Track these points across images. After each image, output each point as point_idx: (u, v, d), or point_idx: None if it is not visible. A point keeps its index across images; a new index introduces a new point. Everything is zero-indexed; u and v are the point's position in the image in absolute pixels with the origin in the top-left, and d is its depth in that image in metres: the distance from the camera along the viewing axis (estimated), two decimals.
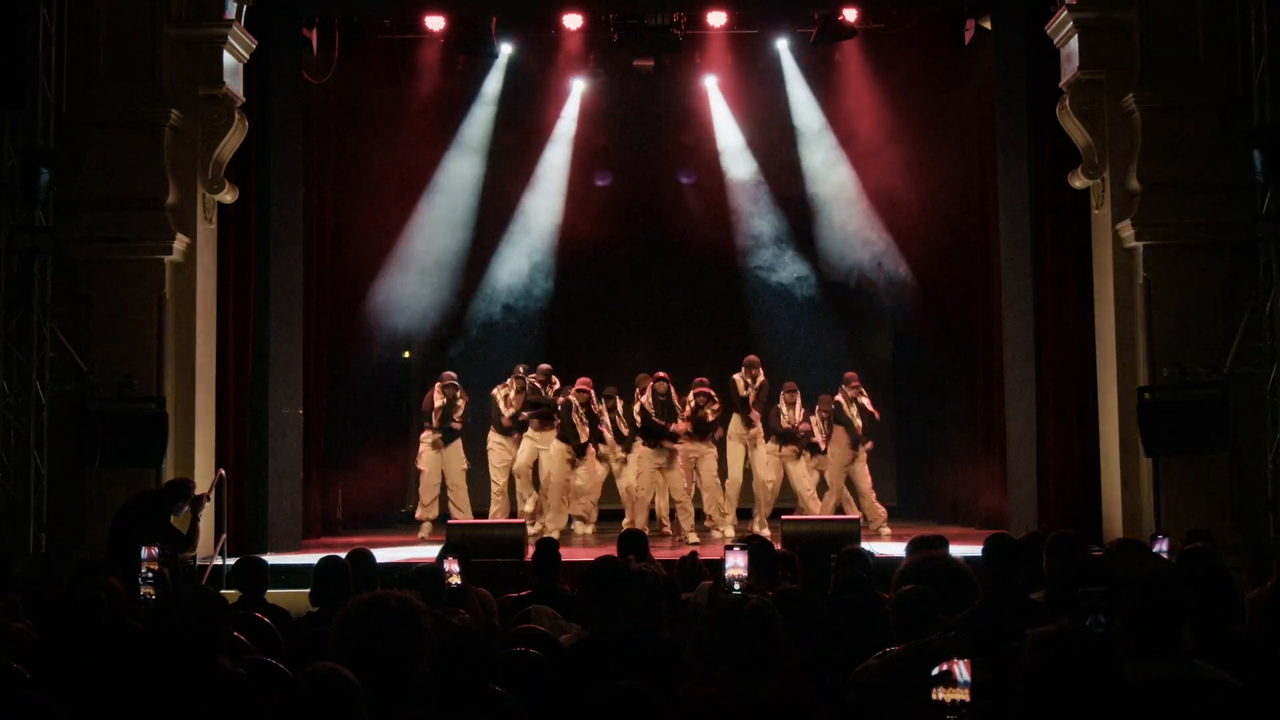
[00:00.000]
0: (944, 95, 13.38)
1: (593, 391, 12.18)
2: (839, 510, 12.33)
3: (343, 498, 13.34)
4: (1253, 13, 10.24)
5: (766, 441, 12.35)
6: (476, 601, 5.84)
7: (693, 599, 6.16)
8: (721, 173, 14.40)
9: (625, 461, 12.33)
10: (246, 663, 4.36)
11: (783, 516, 11.42)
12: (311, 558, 7.44)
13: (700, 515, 12.27)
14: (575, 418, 12.00)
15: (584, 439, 12.04)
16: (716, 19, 12.73)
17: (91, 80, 10.55)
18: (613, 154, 14.40)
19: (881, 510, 12.40)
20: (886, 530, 12.16)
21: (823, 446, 12.34)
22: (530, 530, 11.53)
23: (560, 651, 4.94)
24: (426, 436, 12.37)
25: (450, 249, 14.03)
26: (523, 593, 6.44)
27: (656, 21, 12.48)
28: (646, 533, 8.86)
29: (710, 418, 12.06)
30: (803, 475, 12.38)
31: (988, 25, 12.25)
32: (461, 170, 14.07)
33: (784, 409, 12.32)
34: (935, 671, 3.10)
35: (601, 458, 12.41)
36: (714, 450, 12.25)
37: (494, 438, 12.61)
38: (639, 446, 12.09)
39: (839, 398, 12.39)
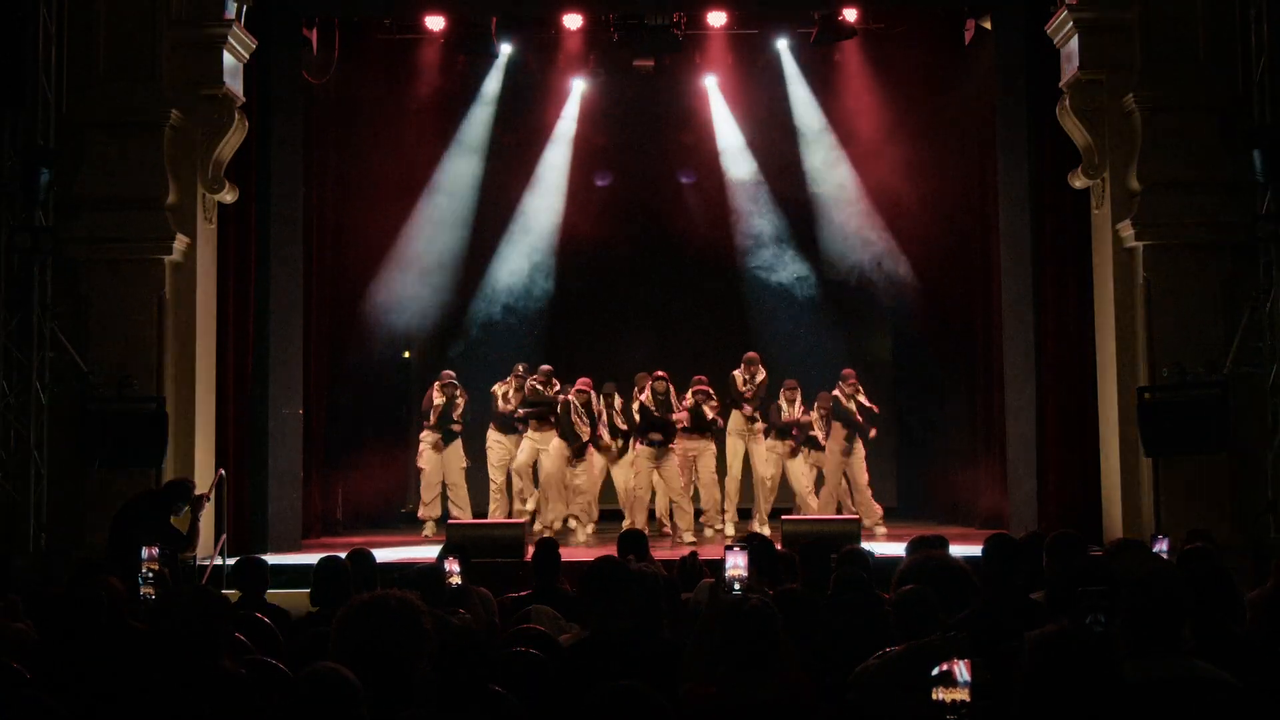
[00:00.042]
0: (944, 95, 13.37)
1: (593, 391, 12.17)
2: (838, 508, 12.30)
3: (343, 498, 13.33)
4: (1253, 13, 10.25)
5: (766, 438, 12.37)
6: (477, 601, 5.83)
7: (693, 598, 6.17)
8: (721, 173, 14.38)
9: (621, 454, 12.29)
10: (247, 663, 4.35)
11: (783, 517, 11.42)
12: (311, 558, 7.43)
13: (699, 513, 12.26)
14: (575, 417, 12.00)
15: (584, 439, 12.05)
16: (716, 19, 12.73)
17: (91, 80, 10.56)
18: (613, 154, 14.38)
19: (877, 508, 12.31)
20: (882, 529, 12.06)
21: (822, 442, 12.36)
22: (534, 529, 11.51)
23: (560, 651, 4.94)
24: (427, 436, 12.41)
25: (450, 249, 14.00)
26: (523, 593, 6.43)
27: (656, 21, 12.47)
28: (646, 533, 8.86)
29: (709, 415, 12.06)
30: (801, 473, 12.39)
31: (988, 25, 12.26)
32: (461, 170, 14.04)
33: (784, 405, 12.36)
34: (935, 671, 3.10)
35: (603, 448, 12.33)
36: (713, 447, 12.25)
37: (493, 435, 12.61)
38: (637, 446, 12.08)
39: (836, 393, 12.39)
